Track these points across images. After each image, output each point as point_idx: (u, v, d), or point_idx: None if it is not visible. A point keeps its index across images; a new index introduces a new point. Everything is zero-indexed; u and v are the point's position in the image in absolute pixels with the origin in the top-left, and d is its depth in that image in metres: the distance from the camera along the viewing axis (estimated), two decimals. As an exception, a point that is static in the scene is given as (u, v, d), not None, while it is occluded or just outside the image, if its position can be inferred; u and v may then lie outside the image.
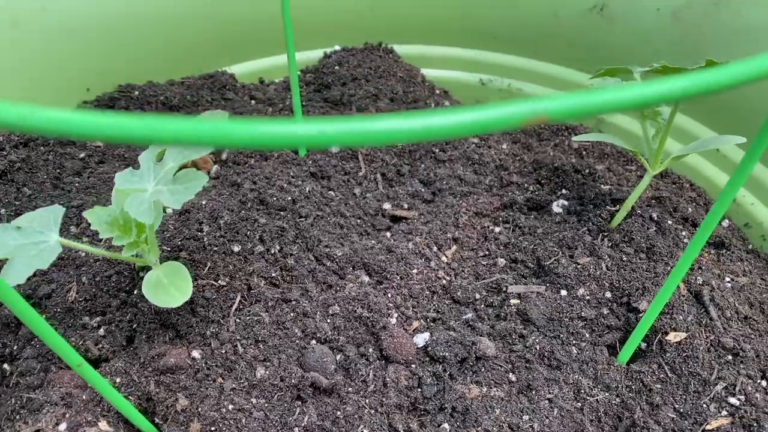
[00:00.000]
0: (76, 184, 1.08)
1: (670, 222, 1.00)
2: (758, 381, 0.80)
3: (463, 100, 1.36)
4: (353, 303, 0.89)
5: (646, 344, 0.86)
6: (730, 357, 0.82)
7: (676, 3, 1.13)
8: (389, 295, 0.92)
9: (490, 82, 1.40)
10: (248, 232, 0.96)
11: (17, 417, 0.76)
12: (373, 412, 0.79)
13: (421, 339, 0.87)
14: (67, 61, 1.19)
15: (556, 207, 1.05)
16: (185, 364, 0.81)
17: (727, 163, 1.12)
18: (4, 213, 1.00)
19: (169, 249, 0.93)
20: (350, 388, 0.81)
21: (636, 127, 1.24)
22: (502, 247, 0.99)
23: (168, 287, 0.78)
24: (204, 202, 1.01)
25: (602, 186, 1.08)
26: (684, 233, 0.98)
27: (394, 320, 0.88)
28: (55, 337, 0.60)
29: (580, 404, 0.80)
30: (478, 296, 0.93)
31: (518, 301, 0.91)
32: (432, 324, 0.90)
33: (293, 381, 0.80)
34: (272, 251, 0.95)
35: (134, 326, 0.87)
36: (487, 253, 0.99)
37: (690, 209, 1.04)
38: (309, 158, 1.14)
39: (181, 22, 1.29)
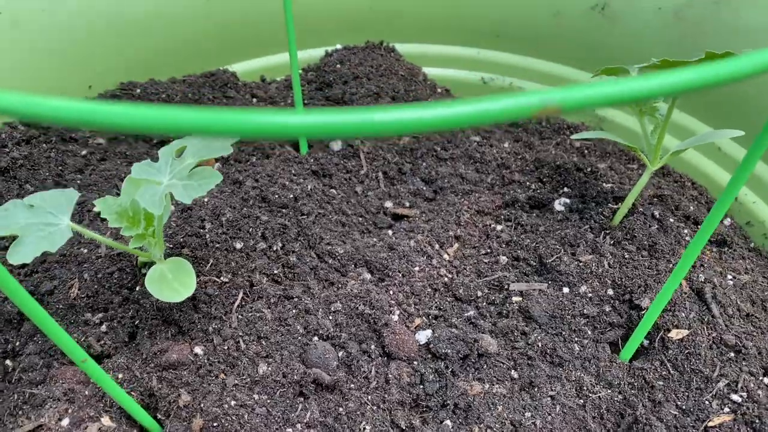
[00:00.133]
0: (78, 181, 1.08)
1: (671, 220, 1.00)
2: (760, 378, 0.80)
3: (464, 98, 1.36)
4: (355, 300, 0.90)
5: (648, 341, 0.87)
6: (732, 354, 0.82)
7: (677, 3, 1.13)
8: (391, 292, 0.92)
9: (491, 80, 1.40)
10: (250, 229, 0.96)
11: (20, 412, 0.76)
12: (375, 408, 0.79)
13: (423, 336, 0.87)
14: (69, 59, 1.19)
15: (558, 205, 1.05)
16: (187, 360, 0.81)
17: (727, 161, 1.13)
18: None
19: (171, 246, 0.93)
20: (352, 385, 0.81)
21: (636, 125, 1.24)
22: (504, 245, 1.00)
23: (172, 282, 0.78)
24: (206, 200, 1.01)
25: (604, 184, 1.08)
26: (686, 231, 0.98)
27: (396, 317, 0.88)
28: (61, 333, 0.60)
29: (582, 401, 0.80)
30: (480, 294, 0.93)
31: (520, 298, 0.91)
32: (434, 321, 0.90)
33: (295, 377, 0.80)
34: (274, 248, 0.95)
35: (136, 322, 0.87)
36: (489, 250, 0.99)
37: (691, 207, 1.04)
38: (311, 156, 1.14)
39: (182, 20, 1.29)
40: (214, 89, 1.30)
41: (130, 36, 1.25)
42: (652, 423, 0.77)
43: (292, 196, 1.04)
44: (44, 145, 1.12)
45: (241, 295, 0.88)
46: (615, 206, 1.03)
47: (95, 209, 1.03)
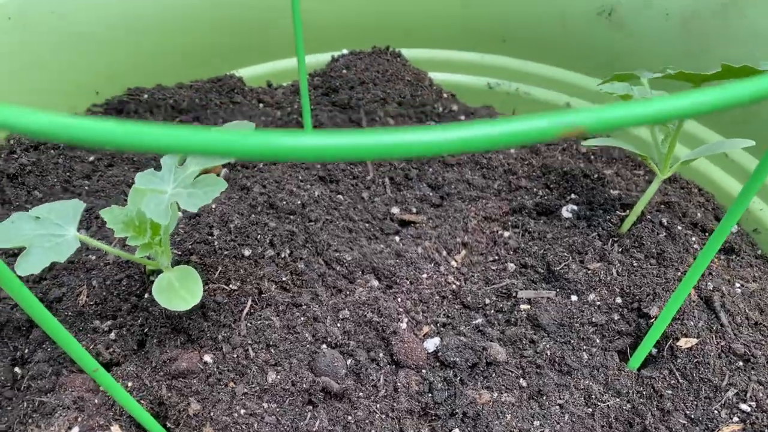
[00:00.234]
0: (86, 187, 1.08)
1: (679, 227, 1.00)
2: (769, 387, 0.80)
3: (470, 103, 1.36)
4: (363, 307, 0.90)
5: (656, 350, 0.87)
6: (741, 363, 0.82)
7: (684, 8, 1.13)
8: (399, 299, 0.92)
9: (497, 85, 1.40)
10: (258, 236, 0.96)
11: (29, 420, 0.76)
12: (384, 417, 0.79)
13: (432, 344, 0.87)
14: (77, 64, 1.19)
15: (566, 212, 1.05)
16: (197, 368, 0.81)
17: (734, 168, 1.13)
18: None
19: (179, 253, 0.93)
20: (361, 393, 0.81)
21: (644, 132, 1.24)
22: (511, 252, 1.00)
23: (179, 290, 0.78)
24: (214, 206, 1.01)
25: (611, 191, 1.08)
26: (694, 239, 0.98)
27: (404, 325, 0.88)
28: (72, 342, 0.60)
29: (590, 410, 0.80)
30: (488, 301, 0.93)
31: (528, 306, 0.91)
32: (442, 329, 0.90)
33: (304, 385, 0.80)
34: (282, 255, 0.95)
35: (145, 330, 0.87)
36: (496, 258, 0.99)
37: (699, 214, 1.04)
38: (317, 162, 1.14)
39: (189, 25, 1.29)
40: (221, 95, 1.31)
41: (137, 42, 1.25)
42: (661, 432, 0.77)
43: (299, 202, 1.04)
44: (52, 151, 1.12)
45: (249, 302, 0.88)
46: (622, 213, 1.03)
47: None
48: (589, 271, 0.93)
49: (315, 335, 0.87)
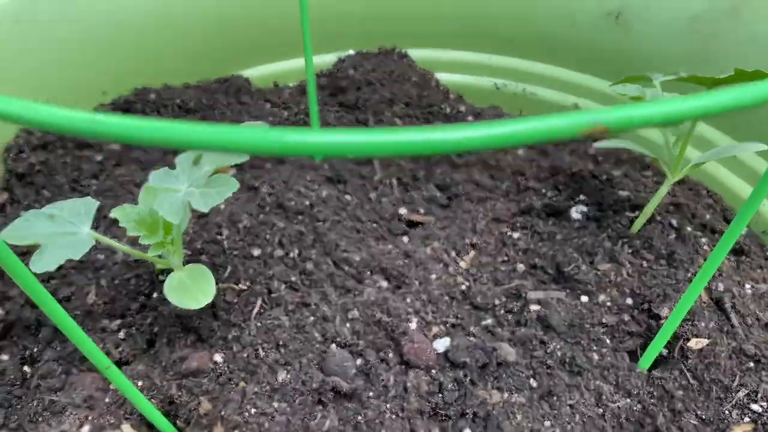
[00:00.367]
0: (94, 187, 1.08)
1: (689, 228, 1.00)
2: (780, 388, 0.80)
3: (477, 104, 1.36)
4: (372, 308, 0.90)
5: (667, 351, 0.86)
6: (751, 364, 0.82)
7: (693, 10, 1.13)
8: (408, 300, 0.92)
9: (504, 86, 1.40)
10: (267, 236, 0.96)
11: (40, 419, 0.76)
12: (394, 417, 0.79)
13: (442, 344, 0.87)
14: (84, 64, 1.19)
15: (575, 213, 1.05)
16: (207, 367, 0.81)
17: (743, 170, 1.12)
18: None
19: (189, 252, 0.93)
20: (371, 393, 0.81)
21: (652, 134, 1.24)
22: (521, 253, 0.99)
23: (191, 289, 0.78)
24: (223, 206, 1.01)
25: (620, 192, 1.08)
26: (703, 240, 0.98)
27: (413, 325, 0.88)
28: (85, 339, 0.60)
29: (601, 410, 0.80)
30: (497, 302, 0.93)
31: (538, 307, 0.91)
32: (452, 329, 0.90)
33: (314, 385, 0.80)
34: (291, 255, 0.95)
35: (155, 330, 0.87)
36: (506, 258, 0.99)
37: (708, 216, 1.04)
38: (325, 163, 1.14)
39: (196, 26, 1.29)
40: (228, 95, 1.31)
41: (144, 42, 1.25)
42: (672, 433, 0.76)
43: (307, 202, 1.04)
44: (60, 150, 1.12)
45: (259, 302, 0.88)
46: (632, 214, 1.02)
47: (111, 215, 1.03)
48: (599, 272, 0.93)
49: (324, 335, 0.87)
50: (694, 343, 0.84)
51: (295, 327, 0.87)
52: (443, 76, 1.41)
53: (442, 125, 0.26)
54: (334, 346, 0.86)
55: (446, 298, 0.93)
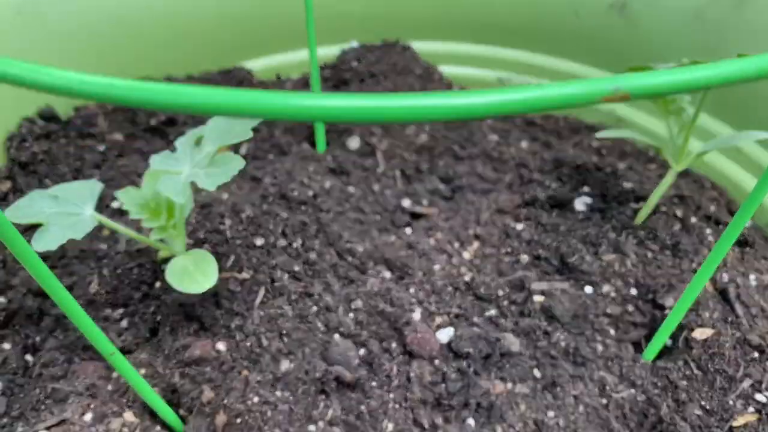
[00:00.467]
0: (96, 177, 1.08)
1: (693, 219, 0.99)
2: (785, 379, 0.80)
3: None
4: (376, 298, 0.89)
5: (671, 341, 0.86)
6: (756, 354, 0.82)
7: (699, 2, 1.12)
8: (412, 290, 0.92)
9: (508, 79, 1.40)
10: (270, 226, 0.96)
11: (42, 407, 0.76)
12: (397, 406, 0.79)
13: (445, 335, 0.86)
14: (87, 55, 1.19)
15: (579, 204, 1.04)
16: (210, 356, 0.81)
17: (747, 162, 1.12)
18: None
19: (192, 242, 0.93)
20: (374, 383, 0.81)
21: (656, 126, 1.23)
22: (524, 244, 0.99)
23: (194, 273, 0.78)
24: (225, 197, 1.01)
25: (625, 184, 1.08)
26: (708, 231, 0.98)
27: (417, 316, 0.88)
28: (90, 324, 0.59)
29: (605, 401, 0.80)
30: (501, 293, 0.92)
31: (542, 297, 0.90)
32: (455, 320, 0.90)
33: (317, 375, 0.80)
34: (294, 245, 0.95)
35: (157, 318, 0.86)
36: (509, 250, 0.99)
37: (712, 207, 1.03)
38: (328, 154, 1.14)
39: (199, 17, 1.29)
40: (231, 86, 1.30)
41: (146, 33, 1.25)
42: (676, 422, 0.76)
43: (311, 193, 1.03)
44: (63, 140, 1.12)
45: (262, 291, 0.88)
46: (636, 206, 1.02)
47: (114, 204, 1.03)
48: (604, 263, 0.93)
49: (327, 325, 0.86)
50: (699, 334, 0.83)
51: (298, 316, 0.86)
52: (446, 69, 1.41)
53: (463, 91, 0.26)
54: (337, 335, 0.86)
55: (450, 288, 0.93)
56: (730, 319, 0.85)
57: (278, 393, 0.78)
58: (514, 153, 1.18)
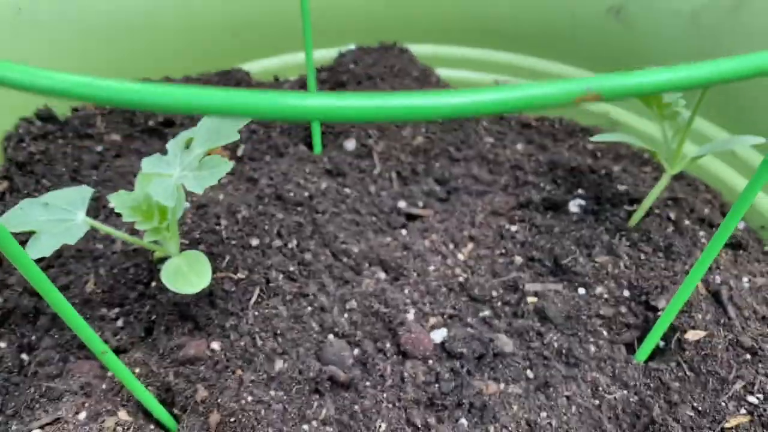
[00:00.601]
0: (94, 177, 1.08)
1: (687, 222, 1.00)
2: (777, 380, 0.80)
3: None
4: (370, 298, 0.90)
5: (664, 342, 0.86)
6: (748, 356, 0.82)
7: (695, 6, 1.13)
8: (406, 291, 0.92)
9: (504, 83, 1.40)
10: (266, 227, 0.96)
11: (37, 406, 0.76)
12: (390, 406, 0.79)
13: (439, 335, 0.87)
14: (85, 55, 1.20)
15: (573, 206, 1.05)
16: (204, 355, 0.81)
17: (741, 165, 1.13)
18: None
19: (187, 242, 0.94)
20: (368, 383, 0.81)
21: (651, 129, 1.24)
22: (518, 246, 1.00)
23: (188, 274, 0.79)
24: (221, 197, 1.02)
25: (619, 186, 1.08)
26: (701, 233, 0.98)
27: (411, 316, 0.88)
28: (81, 323, 0.60)
29: (598, 402, 0.80)
30: (495, 294, 0.93)
31: (536, 299, 0.91)
32: (449, 320, 0.90)
33: (311, 374, 0.80)
34: (290, 246, 0.95)
35: (153, 318, 0.87)
36: (503, 251, 0.99)
37: (706, 210, 1.04)
38: (324, 155, 1.14)
39: (198, 19, 1.29)
40: (228, 87, 1.31)
41: (145, 34, 1.26)
42: (668, 424, 0.76)
43: (306, 194, 1.04)
44: (60, 140, 1.12)
45: (257, 291, 0.89)
46: (630, 208, 1.03)
47: (111, 204, 1.04)
48: (597, 264, 0.93)
49: (322, 325, 0.87)
50: (691, 335, 0.84)
51: (292, 317, 0.87)
52: (444, 72, 1.42)
53: (428, 91, 0.26)
54: (331, 336, 0.86)
55: (444, 289, 0.93)
56: (722, 321, 0.85)
57: (272, 392, 0.78)
58: (510, 155, 1.18)
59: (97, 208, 1.02)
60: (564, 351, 0.85)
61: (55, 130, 1.13)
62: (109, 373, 0.81)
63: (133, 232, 0.96)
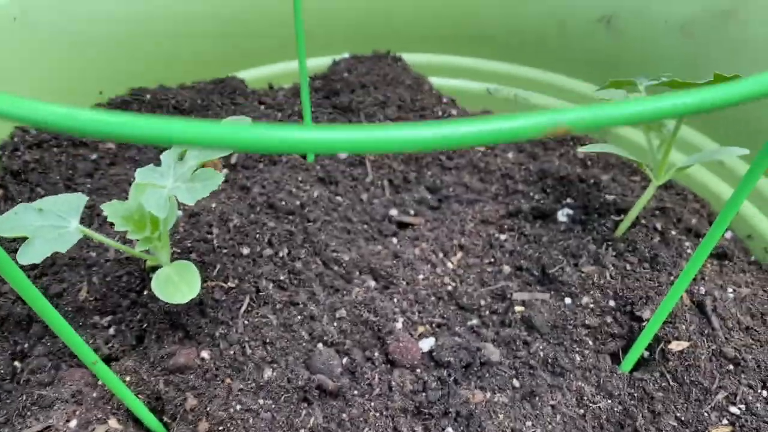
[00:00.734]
0: (88, 185, 1.09)
1: (673, 232, 1.01)
2: (759, 391, 0.81)
3: (469, 109, 1.38)
4: (360, 307, 0.91)
5: (648, 353, 0.88)
6: (731, 366, 0.83)
7: (684, 16, 1.14)
8: (395, 300, 0.93)
9: (496, 91, 1.41)
10: (257, 236, 0.97)
11: (28, 413, 0.77)
12: (378, 415, 0.80)
13: (427, 344, 0.88)
14: (81, 64, 1.21)
15: (561, 216, 1.06)
16: (194, 364, 0.82)
17: (730, 176, 1.14)
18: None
19: (179, 251, 0.95)
20: (356, 391, 0.82)
21: (641, 139, 1.25)
22: (507, 255, 1.01)
23: (178, 284, 0.80)
24: (214, 205, 1.03)
25: (607, 196, 1.09)
26: (687, 243, 1.00)
27: (400, 325, 0.89)
28: (71, 333, 0.61)
29: (582, 411, 0.81)
30: (483, 303, 0.94)
31: (523, 308, 0.92)
32: (437, 329, 0.91)
33: (300, 383, 0.81)
34: (280, 254, 0.96)
35: (144, 326, 0.88)
36: (492, 260, 1.00)
37: (693, 220, 1.05)
38: (317, 164, 1.15)
39: (192, 27, 1.30)
40: (223, 96, 1.32)
41: (140, 43, 1.27)
42: (652, 433, 0.78)
43: (298, 203, 1.05)
44: (55, 149, 1.13)
45: (247, 300, 0.90)
46: (617, 218, 1.04)
47: (104, 213, 1.04)
48: (583, 274, 0.94)
49: (311, 334, 0.88)
50: (675, 346, 0.85)
51: (282, 325, 0.88)
52: (436, 80, 1.43)
53: (406, 123, 0.27)
54: (320, 344, 0.87)
55: (433, 298, 0.94)
56: (706, 331, 0.87)
57: (261, 401, 0.79)
58: (501, 164, 1.20)
59: (92, 216, 1.03)
60: (550, 360, 0.86)
61: (49, 139, 1.14)
62: (101, 382, 0.81)
63: (126, 240, 0.97)
